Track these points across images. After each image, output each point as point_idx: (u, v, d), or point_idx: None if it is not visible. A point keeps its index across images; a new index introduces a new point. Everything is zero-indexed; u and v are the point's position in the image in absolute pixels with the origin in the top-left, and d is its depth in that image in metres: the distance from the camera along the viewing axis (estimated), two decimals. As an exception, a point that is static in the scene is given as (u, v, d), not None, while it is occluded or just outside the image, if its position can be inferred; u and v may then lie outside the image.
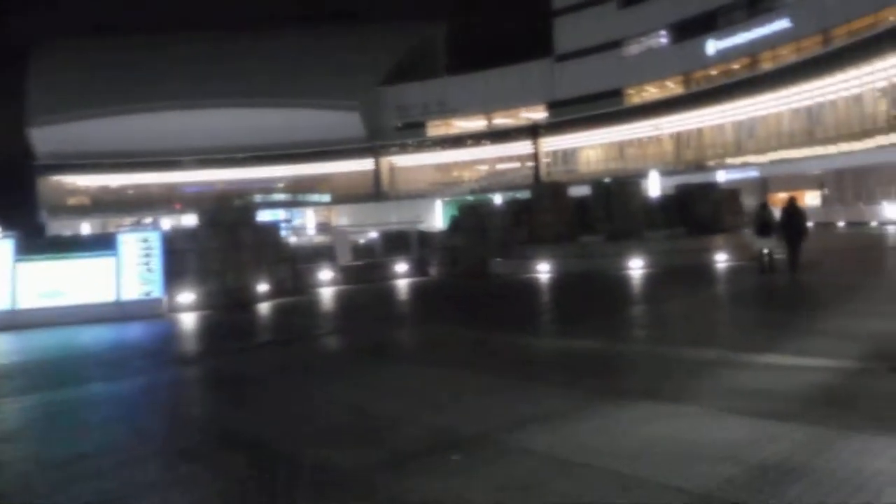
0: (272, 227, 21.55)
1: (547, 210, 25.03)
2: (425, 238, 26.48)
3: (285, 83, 68.82)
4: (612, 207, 25.15)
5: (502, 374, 8.40)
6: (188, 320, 15.59)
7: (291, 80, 69.02)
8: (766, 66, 48.10)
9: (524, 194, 43.41)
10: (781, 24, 47.25)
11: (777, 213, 17.68)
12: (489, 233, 24.49)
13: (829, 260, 19.60)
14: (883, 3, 39.62)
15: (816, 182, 45.30)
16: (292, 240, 40.51)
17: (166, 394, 8.94)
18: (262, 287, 18.70)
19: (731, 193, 26.69)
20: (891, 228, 33.40)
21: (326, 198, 71.91)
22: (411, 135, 70.77)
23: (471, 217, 25.28)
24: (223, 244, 18.33)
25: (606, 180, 33.04)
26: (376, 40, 73.37)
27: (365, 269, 23.14)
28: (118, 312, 15.65)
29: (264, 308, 17.29)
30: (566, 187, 27.67)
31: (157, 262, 16.44)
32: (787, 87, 44.95)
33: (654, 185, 35.82)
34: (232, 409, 7.78)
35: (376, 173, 71.00)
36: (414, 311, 16.47)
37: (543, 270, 21.58)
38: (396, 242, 25.89)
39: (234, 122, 69.33)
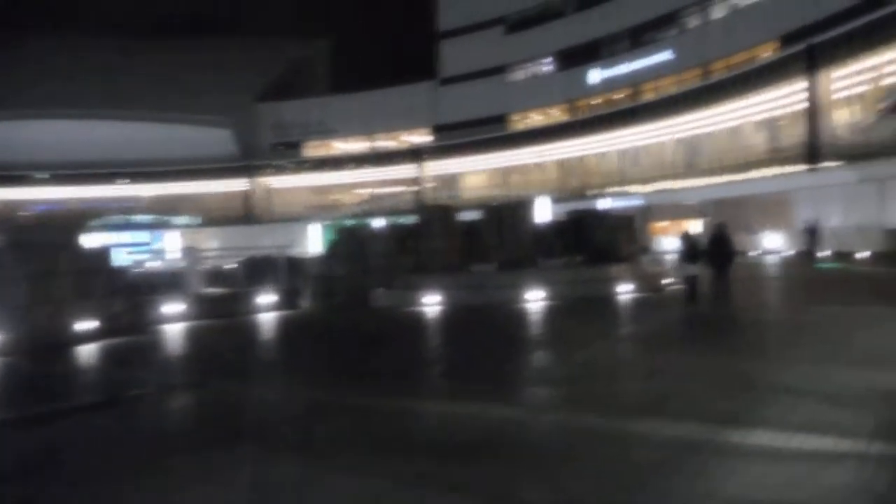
0: (101, 252, 17.74)
1: (435, 236, 22.55)
2: (297, 265, 23.24)
3: (155, 96, 63.42)
4: (504, 233, 23.06)
5: (368, 470, 5.62)
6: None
7: (162, 93, 63.68)
8: (649, 96, 48.39)
9: (408, 219, 41.11)
10: (663, 56, 47.74)
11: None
12: (370, 260, 21.71)
13: (737, 289, 18.15)
14: (759, 39, 40.53)
15: (697, 211, 45.58)
16: (154, 265, 35.98)
17: None
18: (88, 324, 15.00)
19: (626, 220, 25.32)
20: (772, 258, 33.49)
21: (195, 219, 66.48)
22: (288, 155, 66.91)
23: (350, 242, 22.41)
24: (32, 272, 14.52)
25: (491, 205, 31.22)
26: (255, 55, 69.33)
27: (222, 301, 19.67)
28: None
29: (85, 352, 13.61)
30: (455, 212, 25.36)
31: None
32: (669, 117, 45.15)
33: (544, 211, 34.18)
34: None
35: (250, 194, 66.44)
36: (267, 359, 13.09)
37: (431, 303, 19.01)
38: (263, 270, 22.50)
39: (95, 134, 63.10)
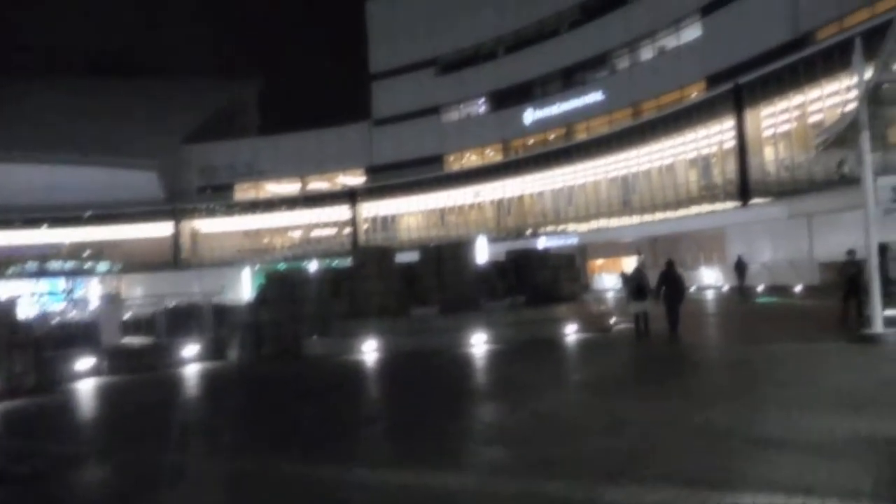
0: (4, 304, 16.03)
1: (371, 278, 21.47)
2: (225, 312, 21.75)
3: (79, 137, 60.89)
4: (444, 275, 22.16)
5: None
6: None
7: (87, 134, 61.19)
8: (582, 136, 48.91)
9: (343, 262, 39.89)
10: (595, 96, 48.47)
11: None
12: (304, 306, 20.44)
13: (685, 326, 17.68)
14: (687, 80, 41.47)
15: (633, 248, 45.88)
16: (70, 315, 33.60)
17: None
18: (-19, 386, 13.33)
19: (568, 259, 24.79)
20: (709, 293, 33.60)
21: (117, 266, 63.42)
22: (217, 198, 64.87)
23: (281, 287, 21.09)
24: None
25: (429, 246, 30.45)
26: (184, 96, 67.75)
27: (141, 354, 18.08)
28: None
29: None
30: (393, 253, 24.38)
31: None
32: (603, 156, 45.63)
33: (483, 252, 33.54)
34: None
35: (176, 238, 63.87)
36: (185, 420, 11.51)
37: (369, 349, 17.87)
38: (187, 318, 20.95)
39: (13, 178, 59.90)
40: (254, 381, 15.62)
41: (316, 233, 64.62)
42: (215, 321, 20.86)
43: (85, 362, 16.49)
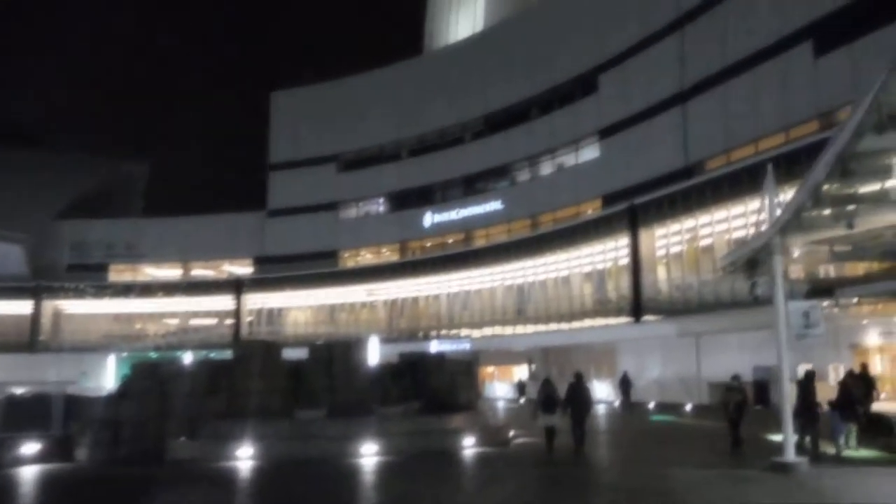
0: None
1: (254, 375, 19.47)
2: (78, 405, 19.00)
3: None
4: (335, 376, 20.53)
5: None
6: None
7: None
8: (480, 242, 49.05)
9: (223, 354, 37.01)
10: (494, 205, 49.06)
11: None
12: (173, 402, 18.13)
13: (588, 443, 16.75)
14: (584, 197, 42.71)
15: (525, 358, 45.51)
16: None
17: None
18: None
19: (466, 365, 23.67)
20: (601, 408, 33.14)
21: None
22: (90, 278, 60.15)
23: (148, 379, 18.68)
24: None
25: (319, 343, 28.72)
26: (64, 170, 63.74)
27: (-34, 452, 15.22)
28: None
29: None
30: (279, 348, 22.49)
31: None
32: (500, 264, 45.69)
33: (374, 352, 31.97)
34: None
35: (35, 318, 58.18)
36: None
37: (245, 456, 15.80)
38: (31, 410, 18.11)
39: None
40: (100, 489, 13.21)
41: (195, 321, 60.73)
42: (66, 415, 18.14)
43: None
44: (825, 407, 14.88)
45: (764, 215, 15.27)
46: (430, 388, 21.08)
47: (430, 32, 70.79)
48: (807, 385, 14.46)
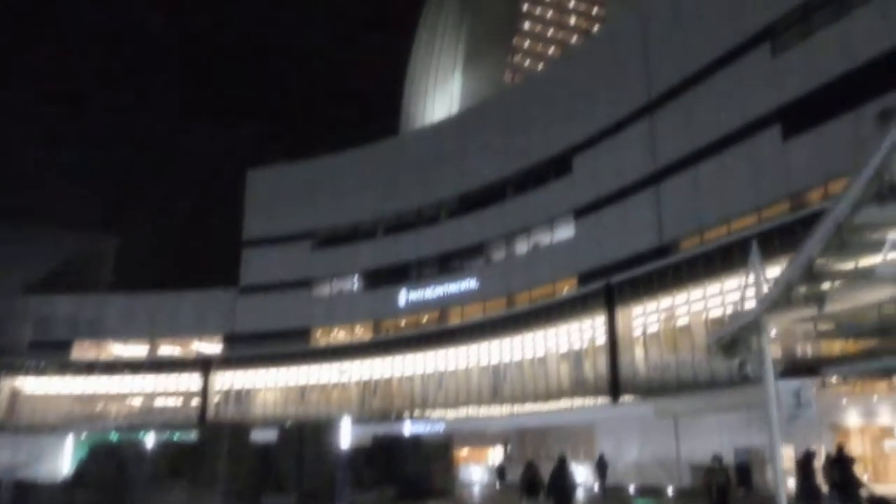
0: None
1: (220, 458, 18.52)
2: (28, 492, 17.77)
3: None
4: (305, 459, 19.63)
5: None
6: None
7: None
8: (455, 321, 48.46)
9: (187, 436, 35.54)
10: (470, 283, 48.73)
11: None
12: (132, 486, 17.06)
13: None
14: (559, 276, 42.61)
15: (500, 439, 44.30)
16: None
17: None
18: None
19: (442, 448, 22.92)
20: (580, 492, 32.05)
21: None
22: (51, 354, 58.21)
23: (106, 462, 17.63)
24: None
25: (289, 424, 27.66)
26: (31, 245, 62.78)
27: None
28: None
29: None
30: (247, 430, 21.56)
31: None
32: (475, 343, 45.11)
33: (346, 434, 30.91)
34: None
35: (-10, 396, 55.89)
36: None
37: (207, 548, 14.72)
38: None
39: None
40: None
41: (160, 402, 58.66)
42: (16, 503, 16.91)
43: None
44: (825, 488, 14.37)
45: (744, 293, 15.09)
46: (404, 472, 20.30)
47: (408, 113, 72.20)
48: (807, 465, 13.98)
